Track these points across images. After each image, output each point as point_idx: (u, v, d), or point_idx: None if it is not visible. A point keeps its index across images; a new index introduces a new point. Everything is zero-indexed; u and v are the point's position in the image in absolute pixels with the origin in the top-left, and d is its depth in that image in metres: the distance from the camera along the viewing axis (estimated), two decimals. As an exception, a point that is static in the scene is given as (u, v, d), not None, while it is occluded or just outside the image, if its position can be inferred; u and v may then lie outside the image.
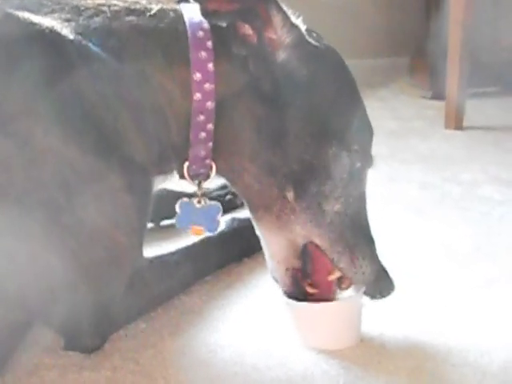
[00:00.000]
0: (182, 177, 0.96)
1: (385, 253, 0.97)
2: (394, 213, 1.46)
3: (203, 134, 0.91)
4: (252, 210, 0.96)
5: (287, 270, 0.95)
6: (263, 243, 0.98)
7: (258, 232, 0.98)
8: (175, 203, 0.98)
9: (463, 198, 1.57)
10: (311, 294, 0.95)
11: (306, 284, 0.95)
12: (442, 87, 2.39)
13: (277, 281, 0.98)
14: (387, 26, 3.42)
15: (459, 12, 2.24)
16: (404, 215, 1.45)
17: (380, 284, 0.94)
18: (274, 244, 0.96)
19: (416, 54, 3.10)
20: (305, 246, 0.94)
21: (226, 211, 1.07)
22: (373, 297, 0.95)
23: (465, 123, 2.31)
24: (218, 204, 0.98)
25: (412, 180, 1.71)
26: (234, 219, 1.23)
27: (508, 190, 1.61)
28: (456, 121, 2.30)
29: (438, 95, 2.66)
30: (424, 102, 2.80)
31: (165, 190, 1.26)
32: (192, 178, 0.95)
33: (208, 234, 1.02)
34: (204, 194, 0.98)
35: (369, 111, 0.97)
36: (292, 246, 0.94)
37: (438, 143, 2.14)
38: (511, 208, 1.49)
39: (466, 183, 1.68)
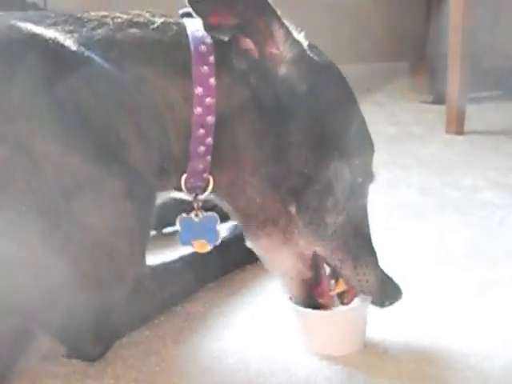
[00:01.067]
0: (177, 188, 0.96)
1: (385, 258, 0.97)
2: (394, 218, 1.46)
3: (202, 148, 0.91)
4: (250, 230, 0.95)
5: (302, 282, 0.96)
6: (271, 262, 0.97)
7: (260, 252, 0.97)
8: (177, 210, 0.98)
9: (463, 203, 1.57)
10: (323, 305, 0.95)
11: (317, 293, 0.96)
12: (443, 92, 2.39)
13: (291, 297, 0.97)
14: (387, 31, 3.43)
15: (459, 16, 2.24)
16: (404, 220, 1.46)
17: (386, 291, 0.95)
18: (285, 260, 0.95)
19: (416, 59, 3.11)
20: (314, 255, 0.95)
21: (226, 218, 1.07)
22: (381, 305, 0.95)
23: (465, 128, 2.30)
24: (215, 214, 0.98)
25: (412, 185, 1.71)
26: (236, 226, 1.22)
27: (508, 194, 1.61)
28: (457, 125, 2.29)
29: (438, 100, 2.65)
30: (424, 106, 2.79)
31: (167, 197, 1.26)
32: (189, 190, 0.95)
33: (211, 246, 1.02)
34: (201, 206, 0.97)
35: (368, 116, 0.97)
36: (302, 258, 0.95)
37: (438, 148, 2.13)
38: (511, 212, 1.49)
39: (467, 188, 1.68)
